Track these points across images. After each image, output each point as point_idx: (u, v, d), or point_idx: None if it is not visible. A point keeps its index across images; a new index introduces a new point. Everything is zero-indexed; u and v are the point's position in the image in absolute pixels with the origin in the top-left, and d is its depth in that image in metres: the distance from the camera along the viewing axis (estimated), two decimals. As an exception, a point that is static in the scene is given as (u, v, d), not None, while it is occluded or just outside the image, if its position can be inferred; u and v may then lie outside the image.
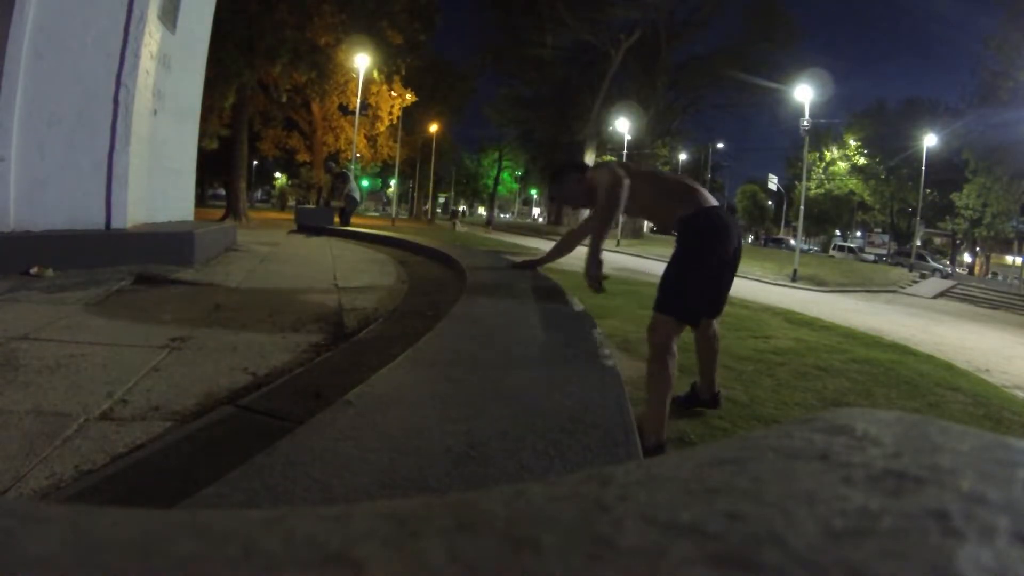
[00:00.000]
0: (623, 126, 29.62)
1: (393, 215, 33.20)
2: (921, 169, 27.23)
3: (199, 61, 4.83)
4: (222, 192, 35.10)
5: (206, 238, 3.60)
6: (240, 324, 2.06)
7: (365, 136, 24.17)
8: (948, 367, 5.18)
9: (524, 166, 46.90)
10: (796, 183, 35.04)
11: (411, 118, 29.82)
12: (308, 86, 19.05)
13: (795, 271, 17.26)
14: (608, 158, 40.15)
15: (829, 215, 41.84)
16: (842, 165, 40.19)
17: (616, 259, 17.66)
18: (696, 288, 2.27)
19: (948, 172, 32.76)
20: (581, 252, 2.91)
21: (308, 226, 7.17)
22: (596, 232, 2.30)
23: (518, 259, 3.24)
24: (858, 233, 45.03)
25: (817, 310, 9.49)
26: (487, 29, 33.73)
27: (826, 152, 40.22)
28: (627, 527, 0.20)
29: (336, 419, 0.85)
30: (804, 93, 20.10)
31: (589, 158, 29.04)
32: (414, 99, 24.02)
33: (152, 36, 3.46)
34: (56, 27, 3.06)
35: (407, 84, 22.88)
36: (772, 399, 3.24)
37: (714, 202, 2.32)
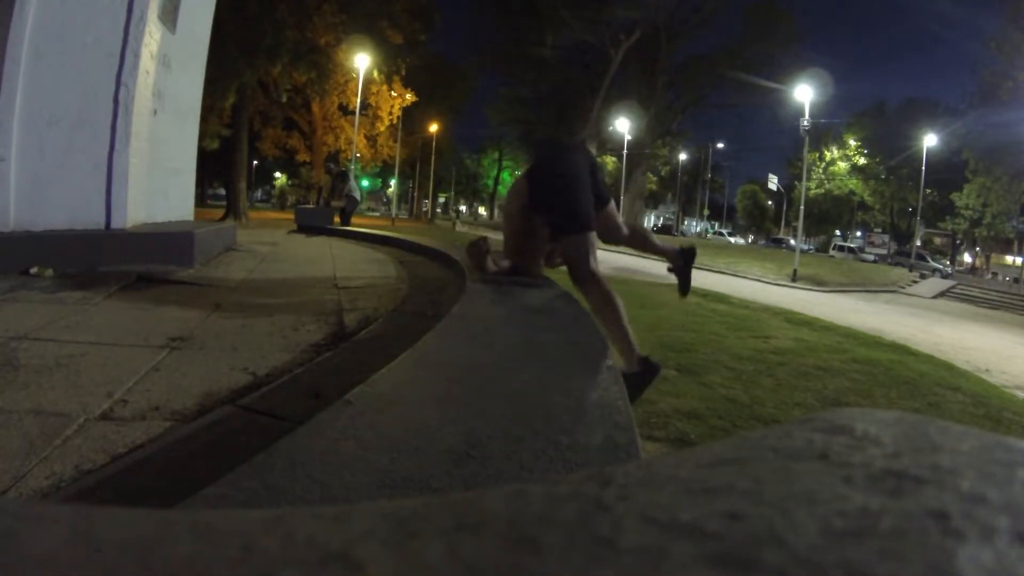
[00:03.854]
0: (623, 126, 29.63)
1: (393, 215, 33.25)
2: (921, 169, 27.25)
3: (199, 61, 4.83)
4: (222, 192, 35.10)
5: (206, 238, 3.60)
6: (240, 324, 2.06)
7: (365, 136, 24.18)
8: (948, 367, 5.18)
9: (524, 166, 46.84)
10: (796, 183, 35.04)
11: (411, 118, 29.84)
12: (308, 86, 19.07)
13: (795, 271, 17.25)
14: (609, 159, 40.21)
15: (829, 215, 41.87)
16: (842, 165, 40.22)
17: (615, 259, 17.67)
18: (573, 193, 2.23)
19: (948, 172, 32.77)
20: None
21: (308, 226, 7.17)
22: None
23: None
24: (858, 233, 45.04)
25: (817, 310, 9.49)
26: (487, 29, 33.75)
27: (826, 152, 40.24)
28: (627, 527, 0.20)
29: (336, 419, 0.85)
30: (804, 93, 20.12)
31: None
32: (414, 99, 24.03)
33: (152, 36, 3.46)
34: (56, 27, 3.06)
35: (407, 84, 22.90)
36: (772, 399, 3.24)
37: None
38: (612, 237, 2.51)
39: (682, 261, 2.62)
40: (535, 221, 2.35)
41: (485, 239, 2.64)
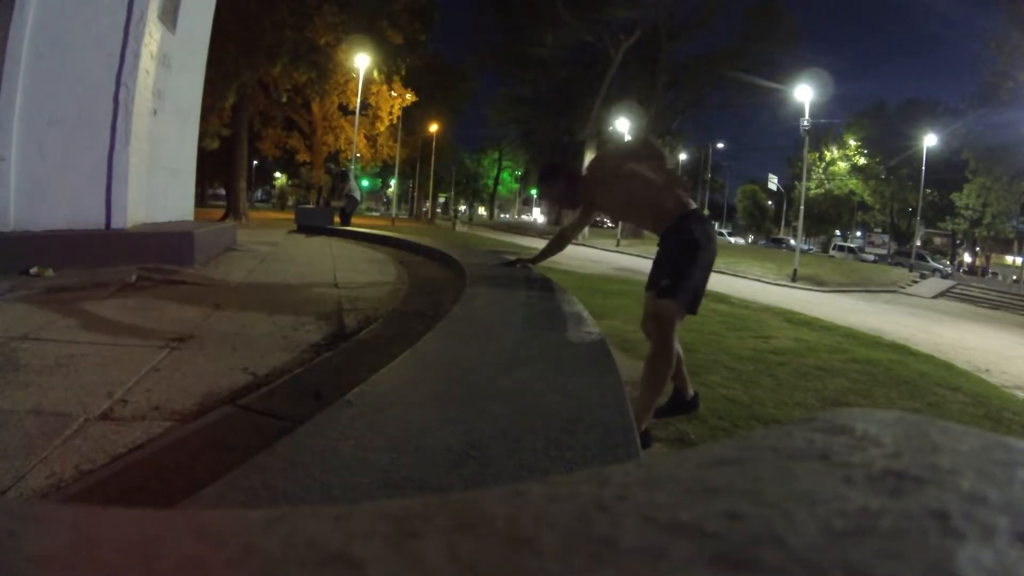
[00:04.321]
0: (623, 126, 29.63)
1: (393, 215, 33.27)
2: (921, 169, 27.24)
3: (199, 61, 4.83)
4: (222, 192, 35.08)
5: (206, 238, 3.60)
6: (240, 324, 2.06)
7: (365, 136, 24.16)
8: (948, 367, 5.18)
9: (524, 166, 46.93)
10: (796, 183, 35.02)
11: (411, 118, 29.83)
12: (308, 86, 19.05)
13: (795, 271, 17.25)
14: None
15: (829, 215, 41.85)
16: (842, 165, 40.21)
17: (616, 259, 17.67)
18: (699, 279, 2.29)
19: (948, 172, 32.76)
20: (576, 252, 2.94)
21: (308, 226, 7.17)
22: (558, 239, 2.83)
23: (512, 258, 3.24)
24: (858, 233, 45.04)
25: (817, 310, 9.49)
26: (487, 29, 33.72)
27: (826, 152, 40.23)
28: (627, 527, 0.20)
29: (336, 419, 0.85)
30: (804, 93, 20.10)
31: (589, 158, 29.09)
32: (414, 99, 24.02)
33: (152, 36, 3.46)
34: (56, 27, 3.06)
35: (407, 84, 22.88)
36: (772, 399, 3.24)
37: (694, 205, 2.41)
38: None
39: (675, 408, 2.65)
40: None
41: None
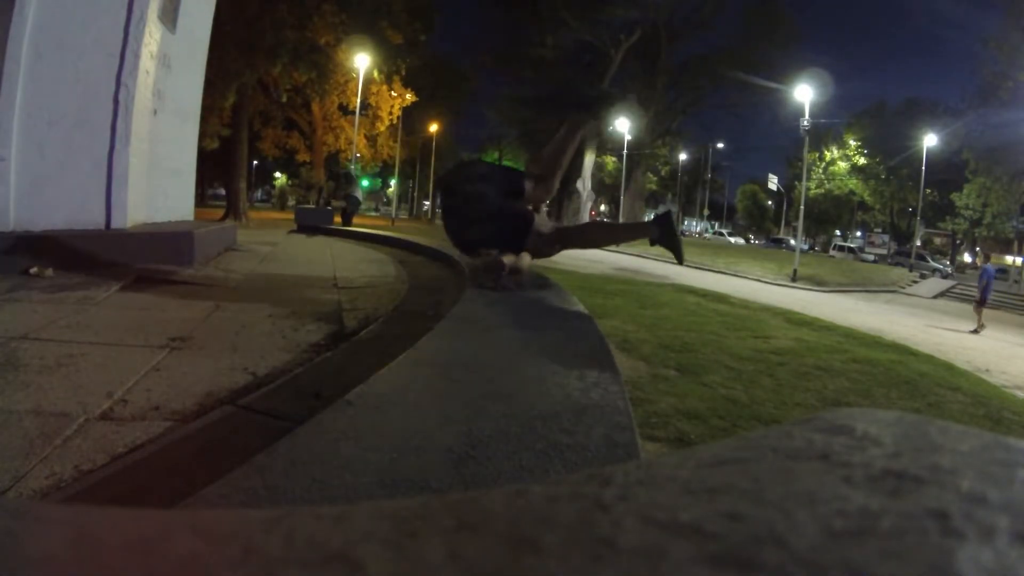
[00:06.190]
0: (623, 126, 29.64)
1: (393, 215, 33.30)
2: (921, 169, 27.26)
3: (199, 61, 4.82)
4: (222, 192, 35.09)
5: (206, 238, 3.60)
6: (240, 324, 2.06)
7: (365, 136, 24.17)
8: (948, 367, 5.19)
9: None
10: (796, 183, 35.03)
11: (411, 118, 29.87)
12: (308, 86, 19.07)
13: (795, 271, 17.26)
14: (609, 159, 40.18)
15: (829, 215, 41.88)
16: (842, 165, 40.22)
17: (616, 259, 17.67)
18: None
19: (948, 172, 32.77)
20: (576, 251, 2.87)
21: (308, 226, 7.17)
22: None
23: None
24: (858, 233, 45.06)
25: (817, 310, 9.49)
26: (487, 29, 33.75)
27: (826, 152, 40.25)
28: (627, 527, 0.20)
29: (336, 419, 0.85)
30: (804, 93, 20.14)
31: (589, 158, 29.11)
32: (414, 99, 24.04)
33: (152, 36, 3.46)
34: (56, 27, 3.06)
35: (407, 84, 22.90)
36: (772, 399, 3.24)
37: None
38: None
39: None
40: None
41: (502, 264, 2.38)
